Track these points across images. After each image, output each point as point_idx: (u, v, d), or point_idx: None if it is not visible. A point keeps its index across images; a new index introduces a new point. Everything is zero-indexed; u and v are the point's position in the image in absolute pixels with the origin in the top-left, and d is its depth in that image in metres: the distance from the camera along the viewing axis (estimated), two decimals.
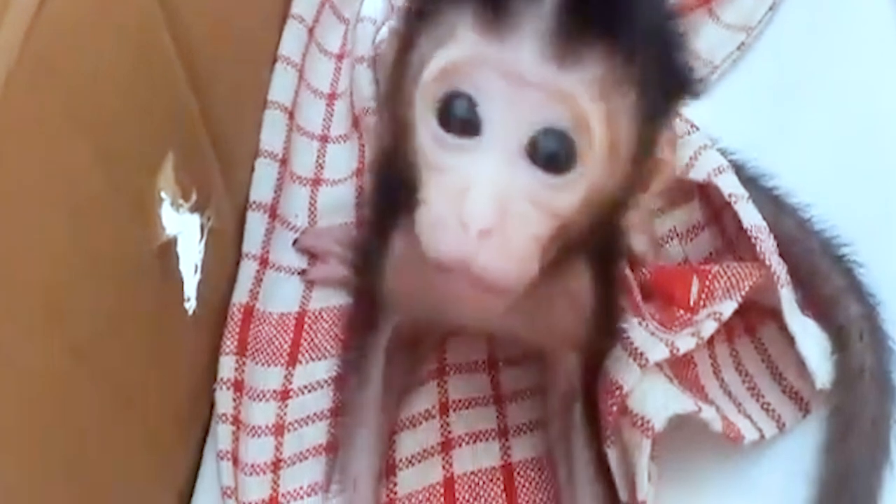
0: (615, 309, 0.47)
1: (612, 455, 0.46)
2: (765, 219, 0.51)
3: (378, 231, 0.47)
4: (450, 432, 0.51)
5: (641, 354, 0.46)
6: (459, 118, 0.36)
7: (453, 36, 0.36)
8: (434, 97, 0.36)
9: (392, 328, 0.50)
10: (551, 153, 0.36)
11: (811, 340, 0.49)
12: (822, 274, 0.53)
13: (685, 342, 0.47)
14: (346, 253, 0.56)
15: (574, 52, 0.35)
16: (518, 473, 0.50)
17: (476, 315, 0.42)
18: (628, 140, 0.37)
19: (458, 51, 0.35)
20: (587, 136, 0.35)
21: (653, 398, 0.45)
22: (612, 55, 0.35)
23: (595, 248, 0.42)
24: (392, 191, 0.43)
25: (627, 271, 0.51)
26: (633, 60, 0.36)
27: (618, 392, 0.45)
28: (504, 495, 0.49)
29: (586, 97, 0.35)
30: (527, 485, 0.50)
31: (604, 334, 0.46)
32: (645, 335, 0.47)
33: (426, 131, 0.37)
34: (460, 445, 0.51)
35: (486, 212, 0.35)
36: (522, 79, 0.35)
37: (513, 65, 0.35)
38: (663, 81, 0.38)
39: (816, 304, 0.52)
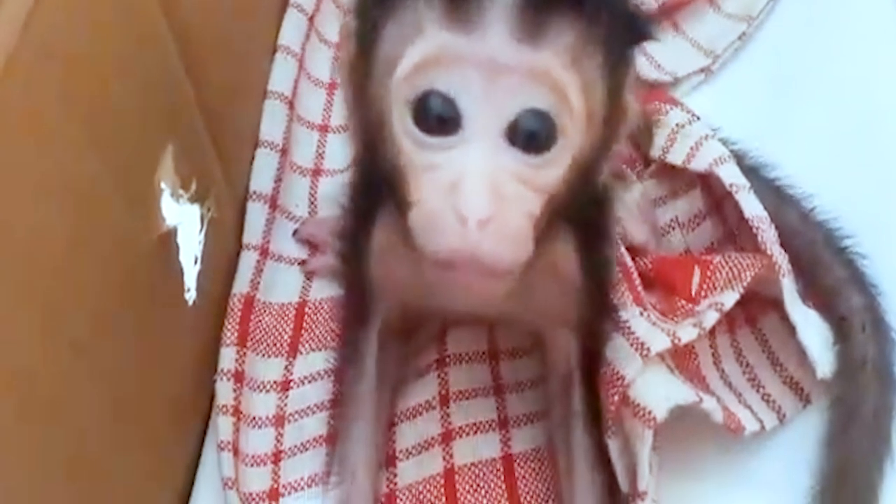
0: (605, 283, 0.46)
1: (614, 445, 0.46)
2: (766, 209, 0.51)
3: (359, 222, 0.46)
4: (450, 423, 0.51)
5: (643, 345, 0.45)
6: (437, 116, 0.36)
7: (421, 32, 0.35)
8: (407, 98, 0.36)
9: (383, 317, 0.49)
10: (532, 135, 0.36)
11: (812, 330, 0.49)
12: (824, 265, 0.53)
13: (687, 332, 0.46)
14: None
15: (543, 26, 0.35)
16: (518, 464, 0.50)
17: (476, 302, 0.42)
18: (601, 101, 0.37)
19: (428, 47, 0.35)
20: (566, 110, 0.36)
21: (654, 389, 0.45)
22: (578, 20, 0.36)
23: (578, 220, 0.42)
24: (371, 184, 0.42)
25: (629, 261, 0.51)
26: (598, 20, 0.36)
27: (619, 382, 0.45)
28: (504, 486, 0.49)
29: (561, 70, 0.35)
30: (527, 476, 0.50)
31: (596, 310, 0.46)
32: (647, 325, 0.46)
33: (403, 133, 0.37)
34: (461, 436, 0.51)
35: (482, 201, 0.35)
36: (497, 65, 0.35)
37: (486, 53, 0.35)
38: (621, 31, 0.38)
39: (818, 295, 0.52)
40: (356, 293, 0.50)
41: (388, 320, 0.50)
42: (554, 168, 0.37)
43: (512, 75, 0.35)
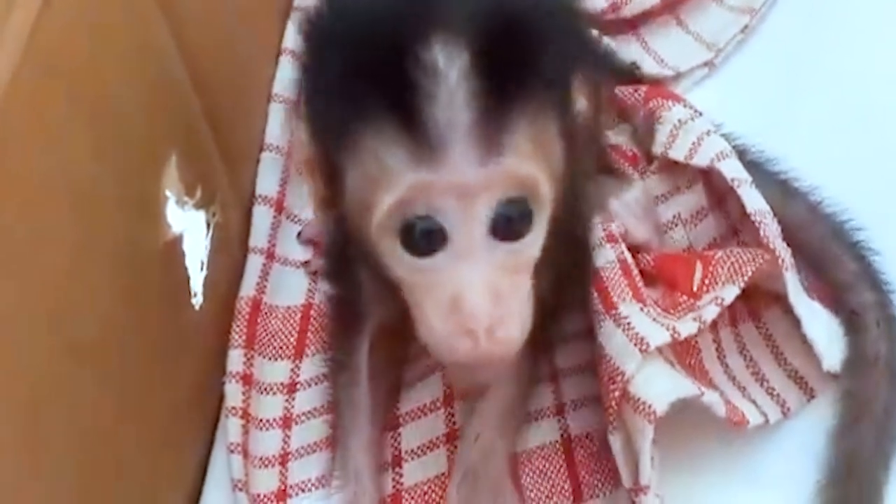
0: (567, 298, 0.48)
1: (616, 441, 0.46)
2: (771, 203, 0.50)
3: (344, 253, 0.47)
4: (454, 423, 0.51)
5: (642, 340, 0.45)
6: (424, 236, 0.37)
7: (388, 177, 0.36)
8: (392, 232, 0.37)
9: (375, 325, 0.50)
10: (512, 225, 0.37)
11: (818, 323, 0.49)
12: (833, 259, 0.52)
13: (687, 327, 0.46)
14: None
15: (503, 136, 0.36)
16: (521, 462, 0.50)
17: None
18: (561, 151, 0.38)
19: (399, 191, 0.36)
20: (537, 193, 0.37)
21: (655, 383, 0.45)
22: (533, 110, 0.36)
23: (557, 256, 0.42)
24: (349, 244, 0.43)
25: (629, 257, 0.51)
26: (549, 96, 0.37)
27: (620, 378, 0.45)
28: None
29: (526, 162, 0.36)
30: (531, 473, 0.50)
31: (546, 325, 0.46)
32: (647, 321, 0.46)
33: (394, 259, 0.38)
34: None
35: (486, 312, 0.36)
36: (469, 187, 0.36)
37: (456, 181, 0.36)
38: (570, 77, 0.39)
39: (827, 289, 0.51)
40: (347, 304, 0.51)
41: (380, 325, 0.50)
42: (536, 242, 0.38)
43: (485, 189, 0.36)
